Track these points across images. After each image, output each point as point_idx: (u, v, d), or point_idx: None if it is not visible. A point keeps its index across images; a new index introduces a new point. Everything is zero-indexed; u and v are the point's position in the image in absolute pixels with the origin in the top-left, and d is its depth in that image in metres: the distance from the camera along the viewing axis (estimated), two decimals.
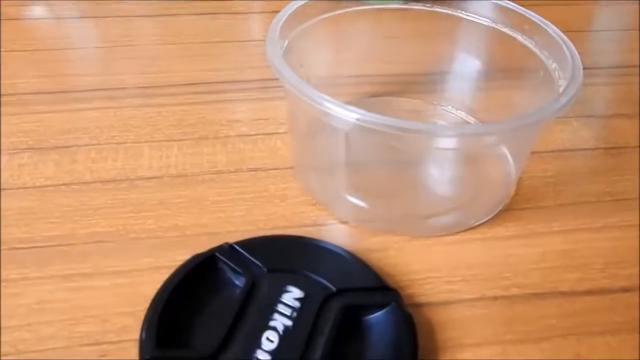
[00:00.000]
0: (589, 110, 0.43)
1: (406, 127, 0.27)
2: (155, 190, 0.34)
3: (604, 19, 0.57)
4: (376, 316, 0.26)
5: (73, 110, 0.40)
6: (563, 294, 0.30)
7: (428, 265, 0.30)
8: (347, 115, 0.27)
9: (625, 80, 0.47)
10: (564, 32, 0.33)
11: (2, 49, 0.46)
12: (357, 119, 0.27)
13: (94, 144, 0.37)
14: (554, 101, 0.27)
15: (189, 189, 0.34)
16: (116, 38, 0.48)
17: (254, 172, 0.35)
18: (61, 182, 0.34)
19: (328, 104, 0.27)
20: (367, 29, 0.39)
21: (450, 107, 0.40)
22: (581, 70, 0.29)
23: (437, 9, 0.36)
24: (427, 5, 0.37)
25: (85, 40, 0.49)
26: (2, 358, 0.25)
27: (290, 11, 0.33)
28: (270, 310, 0.25)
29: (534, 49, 0.33)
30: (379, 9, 0.37)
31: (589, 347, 0.27)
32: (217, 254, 0.27)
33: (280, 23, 0.32)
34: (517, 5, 0.34)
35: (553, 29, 0.32)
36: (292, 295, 0.26)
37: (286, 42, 0.33)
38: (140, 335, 0.24)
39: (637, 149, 0.39)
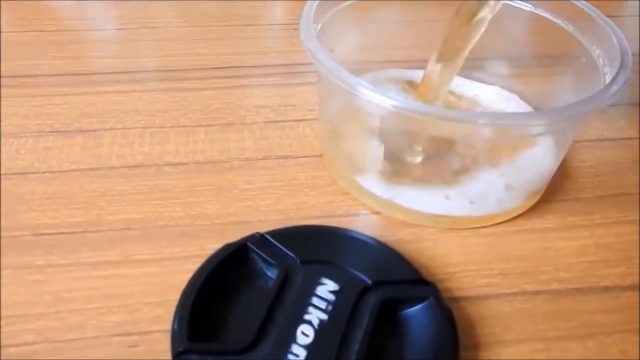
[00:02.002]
0: (627, 99, 0.41)
1: (445, 115, 0.26)
2: (182, 177, 0.33)
3: (636, 3, 0.55)
4: (414, 310, 0.25)
5: (97, 93, 0.39)
6: (606, 288, 0.29)
7: (464, 258, 0.29)
8: (384, 101, 0.26)
9: None
10: None
11: (22, 30, 0.46)
12: (394, 106, 0.26)
13: (119, 128, 0.36)
14: (605, 89, 0.26)
15: (216, 176, 0.33)
16: (137, 20, 0.48)
17: (283, 160, 0.34)
18: (87, 167, 0.33)
19: (363, 90, 0.26)
20: (400, 14, 0.38)
21: None
22: (630, 56, 0.28)
23: None
24: None
25: (106, 22, 0.48)
26: (27, 347, 0.25)
27: None
28: (304, 303, 0.24)
29: (575, 34, 0.32)
30: None
31: (635, 345, 0.26)
32: (248, 244, 0.26)
33: (315, 6, 0.31)
34: None
35: (598, 14, 0.31)
36: (327, 288, 0.25)
37: (319, 25, 0.32)
38: (172, 327, 0.23)
39: None
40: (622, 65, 0.27)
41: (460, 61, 0.32)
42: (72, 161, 0.34)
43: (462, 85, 0.38)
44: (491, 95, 0.37)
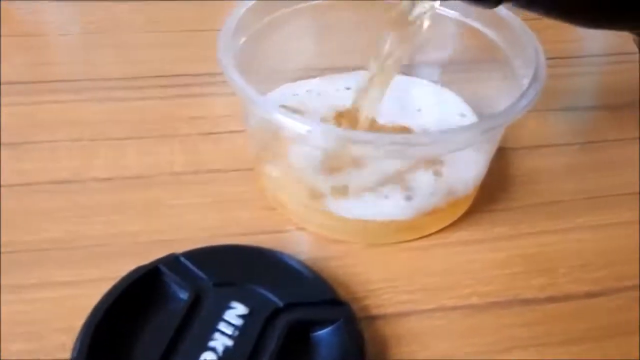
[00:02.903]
0: (568, 102, 0.41)
1: (359, 138, 0.26)
2: (107, 193, 0.32)
3: None
4: (325, 332, 0.25)
5: (37, 103, 0.39)
6: (525, 301, 0.29)
7: (387, 274, 0.29)
8: (299, 127, 0.26)
9: (611, 69, 0.45)
10: None
11: None
12: (308, 131, 0.26)
13: (49, 141, 0.35)
14: (511, 106, 0.26)
15: (143, 192, 0.33)
16: (95, 24, 0.46)
17: (213, 174, 0.34)
18: (8, 183, 0.33)
19: (278, 116, 0.26)
20: (338, 20, 0.37)
21: None
22: (544, 70, 0.28)
23: None
24: None
25: (61, 27, 0.46)
26: None
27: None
28: (211, 328, 0.24)
29: (500, 44, 0.32)
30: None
31: (550, 357, 0.26)
32: (160, 266, 0.26)
33: (236, 21, 0.31)
34: None
35: (519, 24, 0.31)
36: (236, 312, 0.25)
37: (243, 38, 0.32)
38: (71, 357, 0.23)
39: (616, 143, 0.38)
40: (534, 79, 0.27)
41: (396, 67, 0.31)
42: None
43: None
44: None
